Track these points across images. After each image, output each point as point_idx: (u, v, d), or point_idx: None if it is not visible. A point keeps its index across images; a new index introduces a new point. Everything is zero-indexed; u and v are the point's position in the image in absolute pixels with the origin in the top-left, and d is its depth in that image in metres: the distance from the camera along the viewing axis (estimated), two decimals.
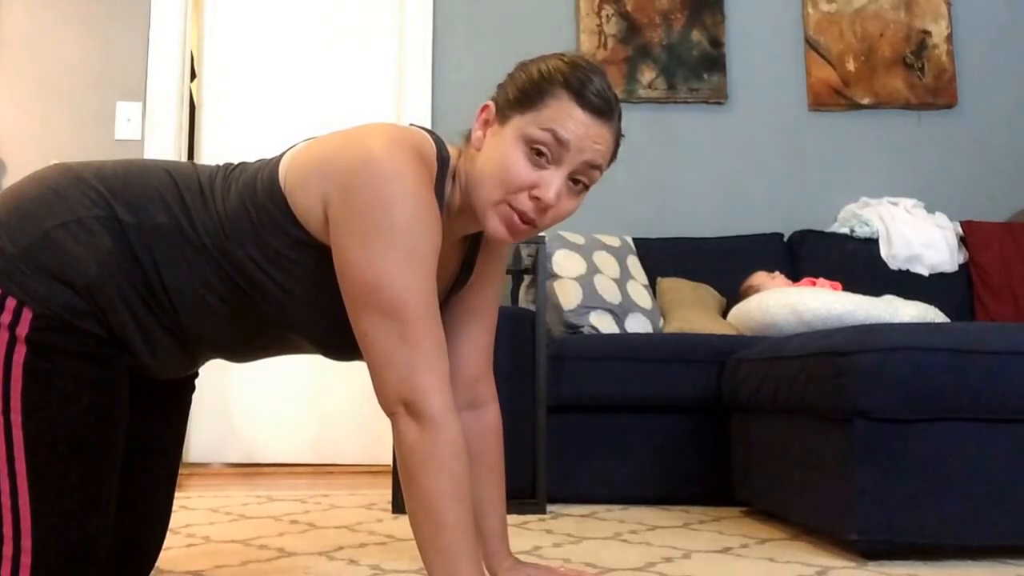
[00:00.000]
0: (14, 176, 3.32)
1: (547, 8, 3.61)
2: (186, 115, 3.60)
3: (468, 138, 1.29)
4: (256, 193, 1.24)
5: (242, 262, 1.23)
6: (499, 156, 1.21)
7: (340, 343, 1.26)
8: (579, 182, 1.22)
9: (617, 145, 1.25)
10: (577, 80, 1.20)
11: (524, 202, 1.20)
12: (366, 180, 1.14)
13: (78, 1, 3.49)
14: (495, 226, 1.22)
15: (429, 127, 1.34)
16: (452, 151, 1.29)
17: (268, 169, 1.26)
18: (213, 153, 3.57)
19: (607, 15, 3.56)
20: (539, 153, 1.19)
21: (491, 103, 1.26)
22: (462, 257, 1.40)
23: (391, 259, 1.13)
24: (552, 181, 1.19)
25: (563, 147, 1.19)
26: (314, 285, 1.23)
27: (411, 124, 1.31)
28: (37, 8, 3.48)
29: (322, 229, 1.20)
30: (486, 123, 1.26)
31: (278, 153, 1.30)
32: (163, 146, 3.42)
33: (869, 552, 1.70)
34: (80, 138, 3.40)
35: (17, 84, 3.43)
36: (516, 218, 1.21)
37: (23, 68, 3.44)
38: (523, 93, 1.22)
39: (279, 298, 1.24)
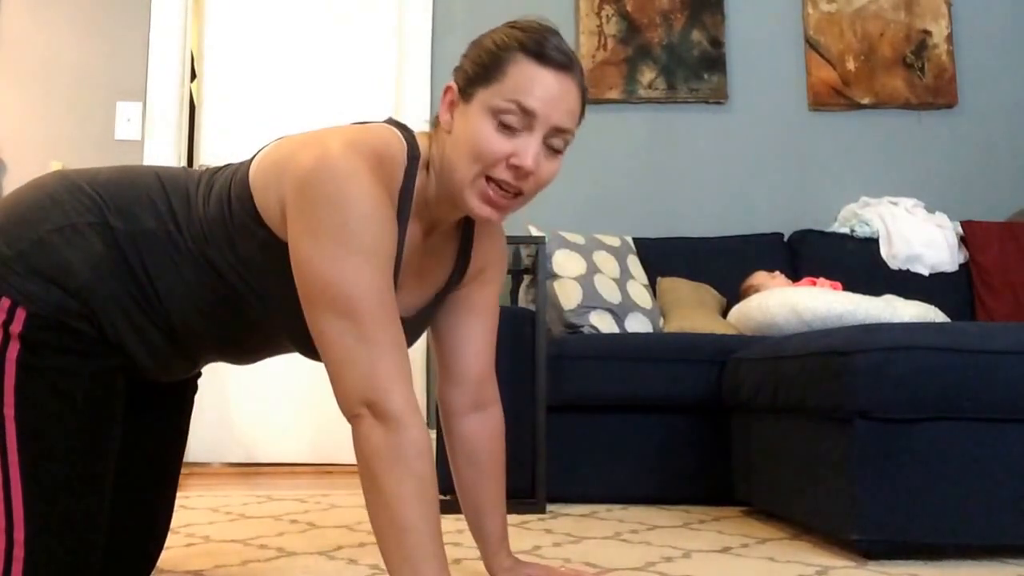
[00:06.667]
0: (14, 176, 3.32)
1: (547, 8, 3.57)
2: (186, 115, 3.59)
3: (436, 123, 1.28)
4: (231, 195, 1.24)
5: (221, 267, 1.24)
6: (470, 133, 1.19)
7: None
8: (553, 146, 1.21)
9: (584, 101, 1.23)
10: (533, 42, 1.19)
11: (503, 172, 1.19)
12: (320, 178, 1.12)
13: (78, 1, 3.49)
14: (476, 204, 1.21)
15: (405, 122, 1.32)
16: (423, 141, 1.27)
17: (242, 171, 1.27)
18: (213, 153, 3.57)
19: (607, 15, 3.56)
20: (507, 124, 1.18)
21: (453, 84, 1.25)
22: (456, 247, 1.38)
23: (342, 257, 1.10)
24: (528, 147, 1.18)
25: (530, 116, 1.18)
26: (286, 287, 1.21)
27: (389, 119, 1.30)
28: (37, 8, 3.48)
29: (283, 228, 1.18)
30: (452, 104, 1.24)
31: (254, 152, 1.31)
32: (163, 146, 3.42)
33: (869, 552, 1.70)
34: (80, 138, 3.40)
35: (17, 84, 3.43)
36: (492, 192, 1.20)
37: (23, 68, 3.44)
38: (482, 67, 1.21)
39: (255, 302, 1.25)
